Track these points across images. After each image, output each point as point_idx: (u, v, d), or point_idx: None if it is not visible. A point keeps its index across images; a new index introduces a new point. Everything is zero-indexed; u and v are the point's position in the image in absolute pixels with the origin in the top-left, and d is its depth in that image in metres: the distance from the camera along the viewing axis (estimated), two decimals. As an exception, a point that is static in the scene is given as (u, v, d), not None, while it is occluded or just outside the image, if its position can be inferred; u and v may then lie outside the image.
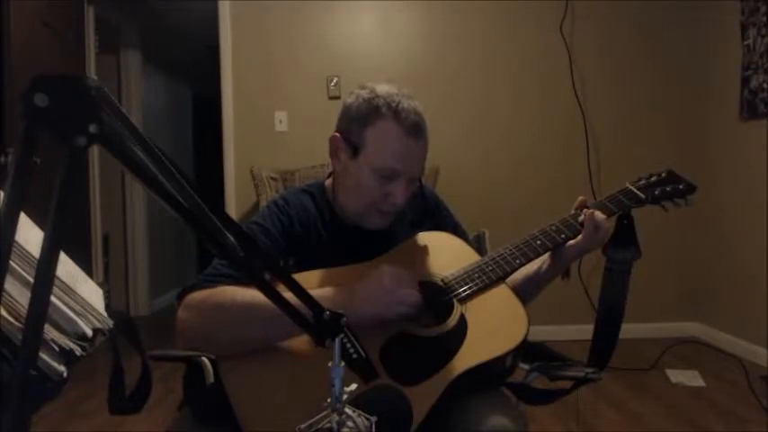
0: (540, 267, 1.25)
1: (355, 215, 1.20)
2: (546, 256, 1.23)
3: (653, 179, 1.26)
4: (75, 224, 3.54)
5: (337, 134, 1.19)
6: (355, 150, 1.16)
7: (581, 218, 1.20)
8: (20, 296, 0.59)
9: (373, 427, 0.71)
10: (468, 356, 1.02)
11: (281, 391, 1.00)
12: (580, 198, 1.25)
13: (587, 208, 1.22)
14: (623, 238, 1.19)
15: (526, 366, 1.17)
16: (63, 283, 0.66)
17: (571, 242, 1.19)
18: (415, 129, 1.14)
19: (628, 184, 1.26)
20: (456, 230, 1.32)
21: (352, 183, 1.18)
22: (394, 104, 1.13)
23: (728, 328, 3.44)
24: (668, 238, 3.62)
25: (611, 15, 3.70)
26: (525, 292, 1.24)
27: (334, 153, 1.21)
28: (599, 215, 1.18)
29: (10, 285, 0.59)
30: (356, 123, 1.16)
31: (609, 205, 1.22)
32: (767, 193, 3.10)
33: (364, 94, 1.17)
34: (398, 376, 1.00)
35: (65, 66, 3.45)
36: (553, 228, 1.20)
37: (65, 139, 0.51)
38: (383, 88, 1.17)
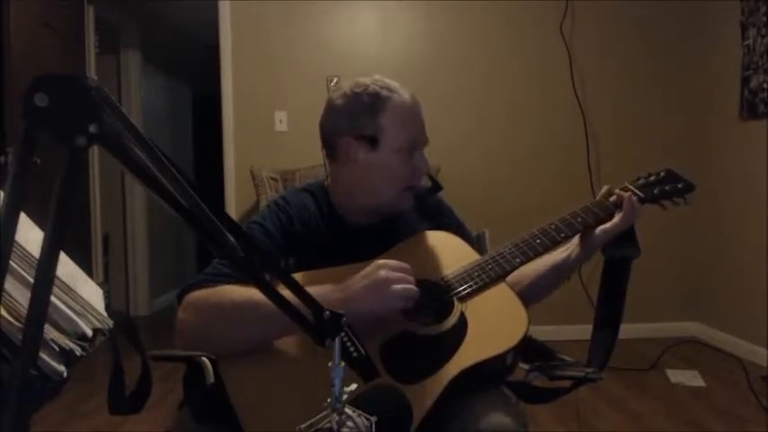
0: (569, 255, 1.24)
1: (387, 205, 1.21)
2: (575, 243, 1.23)
3: (652, 178, 1.26)
4: (75, 224, 3.54)
5: (347, 137, 1.18)
6: (373, 142, 1.17)
7: (613, 197, 1.21)
8: (20, 296, 0.59)
9: (373, 426, 0.71)
10: (467, 355, 1.02)
11: (281, 390, 1.01)
12: (606, 187, 1.25)
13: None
14: (623, 237, 1.19)
15: (526, 366, 1.17)
16: (63, 283, 0.66)
17: (604, 226, 1.19)
18: (414, 99, 1.20)
19: (627, 184, 1.26)
20: (460, 230, 1.32)
21: (380, 174, 1.18)
22: (385, 85, 1.18)
23: (728, 328, 3.44)
24: (669, 238, 3.62)
25: (611, 15, 3.71)
26: (552, 280, 1.26)
27: (346, 157, 1.19)
28: (630, 195, 1.20)
29: (10, 285, 0.59)
30: (364, 117, 1.17)
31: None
32: (767, 193, 3.10)
33: (354, 89, 1.19)
34: (399, 375, 1.00)
35: (65, 66, 3.45)
36: (552, 226, 1.21)
37: (65, 139, 0.51)
38: (362, 79, 1.20)
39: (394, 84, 1.20)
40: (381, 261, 1.04)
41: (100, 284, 0.76)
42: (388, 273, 1.02)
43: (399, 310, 1.03)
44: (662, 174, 1.27)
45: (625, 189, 1.25)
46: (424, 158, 1.21)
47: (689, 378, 2.90)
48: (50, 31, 3.29)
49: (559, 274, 1.26)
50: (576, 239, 1.23)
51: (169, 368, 1.17)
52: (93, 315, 0.68)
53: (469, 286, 1.12)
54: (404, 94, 1.19)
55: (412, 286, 1.02)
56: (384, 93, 1.17)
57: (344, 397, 0.69)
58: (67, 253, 0.66)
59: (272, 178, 3.22)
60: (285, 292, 0.72)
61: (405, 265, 1.05)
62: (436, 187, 1.31)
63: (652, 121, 3.74)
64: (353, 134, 1.18)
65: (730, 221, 3.48)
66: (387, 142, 1.16)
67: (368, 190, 1.20)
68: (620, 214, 1.18)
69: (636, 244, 1.20)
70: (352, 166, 1.19)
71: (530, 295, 1.16)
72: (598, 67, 3.70)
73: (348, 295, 1.01)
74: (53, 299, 0.61)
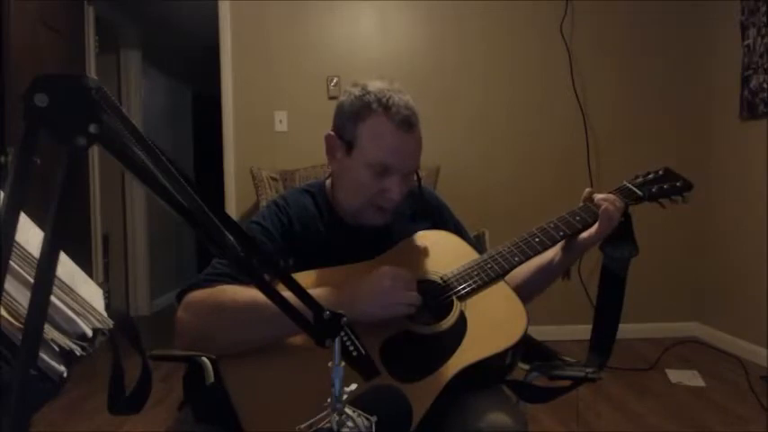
0: (552, 259, 1.25)
1: (354, 212, 1.21)
2: (558, 247, 1.23)
3: (650, 177, 1.27)
4: (75, 224, 3.54)
5: (332, 132, 1.20)
6: (349, 147, 1.17)
7: (597, 196, 1.20)
8: (20, 296, 0.59)
9: (373, 427, 0.71)
10: (467, 353, 1.02)
11: (281, 390, 1.01)
12: (588, 190, 1.25)
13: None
14: (621, 236, 1.20)
15: (526, 366, 1.18)
16: (63, 283, 0.66)
17: (583, 234, 1.19)
18: (405, 123, 1.14)
19: (625, 182, 1.27)
20: (458, 230, 1.32)
21: (349, 180, 1.19)
22: (384, 100, 1.14)
23: (728, 328, 3.44)
24: (668, 238, 3.62)
25: (611, 15, 3.70)
26: (537, 282, 1.26)
27: (330, 151, 1.22)
28: (607, 203, 1.18)
29: (10, 285, 0.59)
30: (349, 120, 1.17)
31: None
32: (767, 193, 3.10)
33: (356, 91, 1.18)
34: (399, 374, 1.00)
35: (65, 66, 3.45)
36: (551, 225, 1.21)
37: (65, 139, 0.51)
38: (375, 85, 1.18)
39: (397, 101, 1.15)
40: (386, 268, 1.05)
41: (100, 284, 0.76)
42: (392, 280, 1.02)
43: (401, 315, 1.03)
44: (660, 172, 1.27)
45: (623, 188, 1.25)
46: (398, 185, 1.16)
47: (689, 378, 2.90)
48: (50, 31, 3.29)
49: (546, 277, 1.26)
50: (558, 245, 1.23)
51: (169, 368, 1.18)
52: (93, 315, 0.68)
53: (469, 285, 1.12)
54: (395, 115, 1.13)
55: (415, 293, 1.03)
56: (374, 105, 1.14)
57: (344, 397, 0.69)
58: (67, 253, 0.66)
59: (272, 178, 3.21)
60: (285, 293, 0.72)
61: (406, 272, 1.06)
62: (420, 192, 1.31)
63: (652, 121, 3.73)
64: (337, 132, 1.19)
65: (730, 221, 3.48)
66: (359, 152, 1.16)
67: (341, 189, 1.22)
68: (597, 224, 1.18)
69: (634, 243, 1.20)
70: (333, 161, 1.22)
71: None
72: (598, 67, 3.70)
73: (352, 298, 1.01)
74: (53, 299, 0.61)
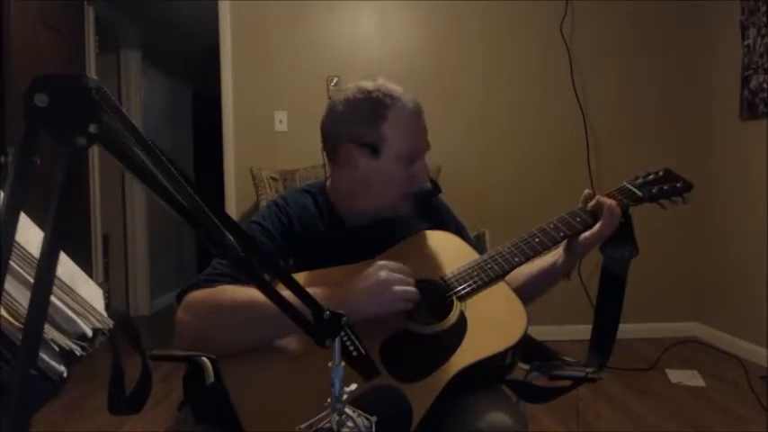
0: (555, 262, 1.25)
1: (387, 209, 1.21)
2: (560, 250, 1.23)
3: (650, 177, 1.27)
4: (75, 224, 3.54)
5: (348, 144, 1.18)
6: (374, 149, 1.16)
7: (591, 203, 1.20)
8: (20, 296, 0.59)
9: (373, 426, 0.71)
10: (467, 353, 1.02)
11: (281, 390, 1.01)
12: (587, 191, 1.25)
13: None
14: (621, 236, 1.20)
15: (526, 366, 1.18)
16: (63, 283, 0.66)
17: (585, 234, 1.19)
18: (417, 106, 1.18)
19: (625, 183, 1.27)
20: (458, 230, 1.32)
21: (380, 180, 1.18)
22: (389, 92, 1.16)
23: (728, 328, 3.44)
24: (668, 238, 3.62)
25: (611, 15, 3.71)
26: (539, 285, 1.26)
27: (346, 163, 1.19)
28: (610, 201, 1.19)
29: (10, 285, 0.59)
30: (366, 125, 1.16)
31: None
32: (767, 193, 3.10)
33: (357, 94, 1.17)
34: (399, 374, 1.00)
35: (65, 66, 3.45)
36: (551, 226, 1.21)
37: (65, 139, 0.51)
38: (365, 84, 1.18)
39: (398, 90, 1.18)
40: (382, 263, 1.05)
41: (100, 284, 0.76)
42: (388, 274, 1.02)
43: (400, 311, 1.03)
44: (660, 173, 1.27)
45: (623, 189, 1.25)
46: (426, 165, 1.20)
47: (689, 378, 2.90)
48: (50, 31, 3.29)
49: (547, 280, 1.26)
50: (560, 248, 1.23)
51: (169, 368, 1.18)
52: (93, 315, 0.68)
53: (469, 285, 1.12)
54: (407, 101, 1.17)
55: (412, 288, 1.03)
56: (387, 101, 1.15)
57: (344, 397, 0.69)
58: (67, 253, 0.66)
59: (272, 178, 3.22)
60: (285, 293, 0.72)
61: (404, 267, 1.05)
62: (435, 190, 1.31)
63: (652, 121, 3.73)
64: (355, 141, 1.17)
65: (730, 221, 3.48)
66: (388, 150, 1.16)
67: (367, 194, 1.20)
68: (600, 222, 1.18)
69: (634, 244, 1.20)
70: (352, 171, 1.19)
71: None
72: (598, 66, 3.70)
73: (349, 296, 1.01)
74: (53, 299, 0.60)
